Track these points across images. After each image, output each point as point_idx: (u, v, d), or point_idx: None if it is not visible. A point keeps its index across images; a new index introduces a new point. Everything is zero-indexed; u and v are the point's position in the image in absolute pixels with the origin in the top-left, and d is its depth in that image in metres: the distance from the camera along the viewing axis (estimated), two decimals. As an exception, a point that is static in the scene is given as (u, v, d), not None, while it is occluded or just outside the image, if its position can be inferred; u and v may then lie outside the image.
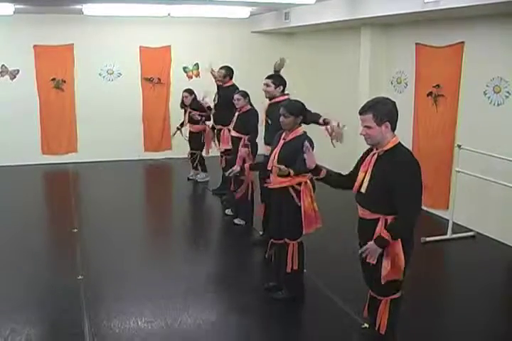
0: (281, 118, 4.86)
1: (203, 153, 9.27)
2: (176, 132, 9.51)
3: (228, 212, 7.64)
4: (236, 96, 6.96)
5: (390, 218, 3.68)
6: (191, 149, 9.39)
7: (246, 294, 5.26)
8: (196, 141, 9.19)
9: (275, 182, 4.91)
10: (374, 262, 3.70)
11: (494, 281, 5.72)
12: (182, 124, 9.40)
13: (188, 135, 9.37)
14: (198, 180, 9.49)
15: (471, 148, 6.52)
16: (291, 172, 4.64)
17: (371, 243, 3.68)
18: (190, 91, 9.15)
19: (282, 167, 4.61)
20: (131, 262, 6.09)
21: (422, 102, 7.84)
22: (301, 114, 4.87)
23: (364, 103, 3.77)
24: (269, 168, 4.98)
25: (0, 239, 6.69)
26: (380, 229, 3.71)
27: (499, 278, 5.90)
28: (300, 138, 4.82)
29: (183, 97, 9.18)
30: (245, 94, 6.94)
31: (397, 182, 3.56)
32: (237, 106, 6.95)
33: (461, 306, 5.13)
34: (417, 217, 3.69)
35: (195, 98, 9.09)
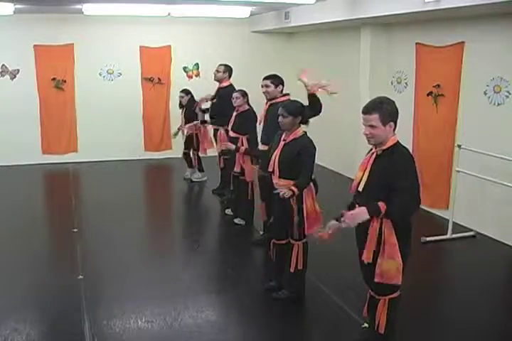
0: (280, 119, 4.84)
1: (200, 153, 9.28)
2: (177, 132, 9.52)
3: (228, 211, 7.63)
4: (235, 94, 6.95)
5: (384, 218, 3.69)
6: (185, 149, 9.42)
7: (246, 294, 5.26)
8: (192, 141, 9.22)
9: (278, 184, 4.90)
10: (351, 225, 3.67)
11: (494, 281, 5.73)
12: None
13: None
14: (194, 180, 9.48)
15: (471, 148, 6.52)
16: (295, 191, 4.66)
17: (362, 208, 3.64)
18: (186, 92, 9.21)
19: (285, 191, 4.64)
20: (132, 262, 6.09)
21: (422, 102, 7.83)
22: (300, 114, 4.84)
23: (367, 102, 3.79)
24: (271, 170, 4.97)
25: (0, 239, 6.69)
26: (374, 229, 3.72)
27: (499, 278, 5.91)
28: (300, 139, 4.82)
29: (179, 98, 9.23)
30: (244, 94, 6.93)
31: (396, 180, 3.57)
32: (234, 105, 6.93)
33: (460, 306, 5.12)
34: (415, 208, 3.66)
35: (191, 98, 9.12)
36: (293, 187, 4.67)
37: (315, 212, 4.84)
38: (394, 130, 3.72)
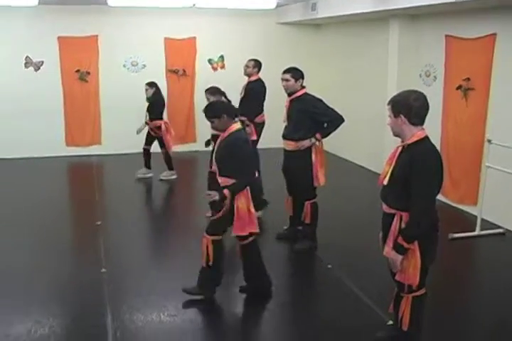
0: (211, 124, 4.92)
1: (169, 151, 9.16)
2: (142, 128, 9.33)
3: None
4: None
5: (405, 215, 3.67)
6: (145, 145, 9.33)
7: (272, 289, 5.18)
8: (153, 137, 9.14)
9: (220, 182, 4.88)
10: (398, 269, 3.70)
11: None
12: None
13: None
14: (162, 178, 9.25)
15: (502, 143, 6.38)
16: (227, 194, 4.66)
17: (392, 252, 3.68)
18: (150, 84, 9.08)
19: (213, 194, 4.68)
20: (155, 255, 6.09)
21: (451, 96, 7.68)
22: (223, 112, 4.80)
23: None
24: (212, 169, 5.09)
25: (24, 232, 6.71)
26: (395, 226, 3.72)
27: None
28: (229, 136, 4.79)
29: (145, 90, 9.08)
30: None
31: (412, 175, 3.56)
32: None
33: (487, 304, 5.01)
34: (427, 213, 3.64)
35: (156, 91, 9.02)
36: (225, 191, 4.66)
37: (248, 212, 4.74)
38: (413, 124, 3.64)
